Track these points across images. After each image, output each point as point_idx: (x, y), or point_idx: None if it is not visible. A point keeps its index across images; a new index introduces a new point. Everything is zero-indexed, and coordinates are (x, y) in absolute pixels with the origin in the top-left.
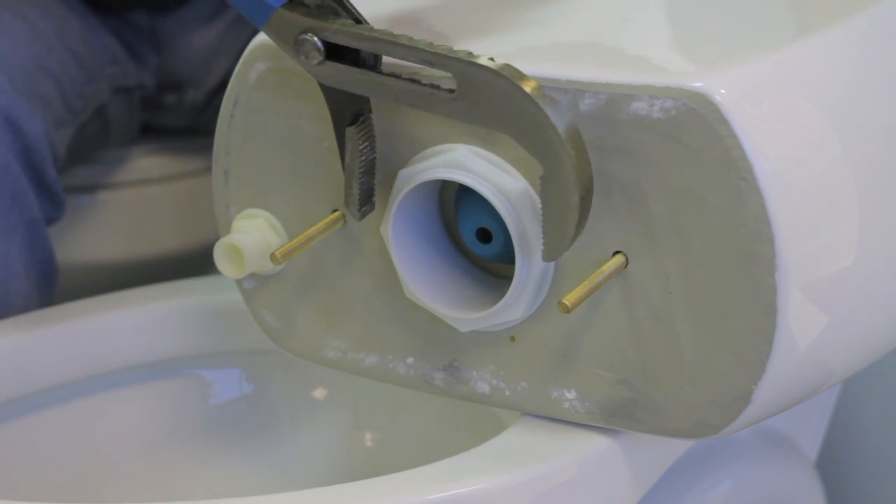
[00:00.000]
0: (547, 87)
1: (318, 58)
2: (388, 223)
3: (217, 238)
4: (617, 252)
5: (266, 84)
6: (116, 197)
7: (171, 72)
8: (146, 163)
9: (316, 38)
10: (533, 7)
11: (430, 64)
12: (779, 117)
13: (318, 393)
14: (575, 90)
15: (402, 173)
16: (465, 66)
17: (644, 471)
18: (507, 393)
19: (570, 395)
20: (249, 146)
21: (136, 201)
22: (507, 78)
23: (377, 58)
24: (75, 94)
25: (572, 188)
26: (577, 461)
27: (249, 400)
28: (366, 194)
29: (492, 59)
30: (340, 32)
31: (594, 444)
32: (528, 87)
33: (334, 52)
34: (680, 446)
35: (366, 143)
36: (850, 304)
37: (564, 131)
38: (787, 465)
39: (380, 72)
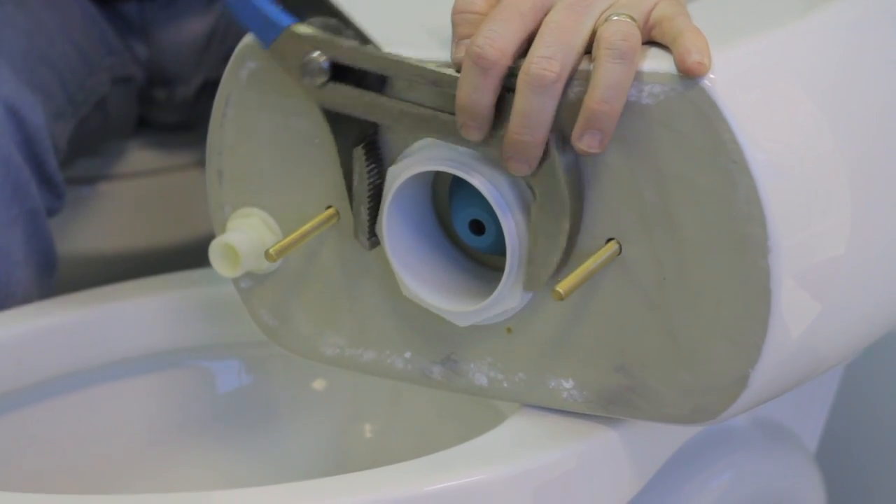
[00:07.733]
0: None
1: (323, 79)
2: (382, 218)
3: None
4: (610, 239)
5: (257, 82)
6: (116, 188)
7: (160, 67)
8: (146, 154)
9: (323, 59)
10: None
11: (438, 85)
12: (769, 101)
13: (318, 384)
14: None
15: (392, 170)
16: None
17: (644, 461)
18: (505, 384)
19: (568, 384)
20: (242, 145)
21: (136, 193)
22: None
23: (383, 80)
24: (77, 87)
25: (564, 213)
26: (577, 452)
27: (249, 391)
28: (375, 221)
29: None
30: (351, 52)
31: (593, 435)
32: None
33: (338, 74)
34: (679, 435)
35: (374, 165)
36: (842, 293)
37: (563, 157)
38: (786, 457)
39: (383, 94)
